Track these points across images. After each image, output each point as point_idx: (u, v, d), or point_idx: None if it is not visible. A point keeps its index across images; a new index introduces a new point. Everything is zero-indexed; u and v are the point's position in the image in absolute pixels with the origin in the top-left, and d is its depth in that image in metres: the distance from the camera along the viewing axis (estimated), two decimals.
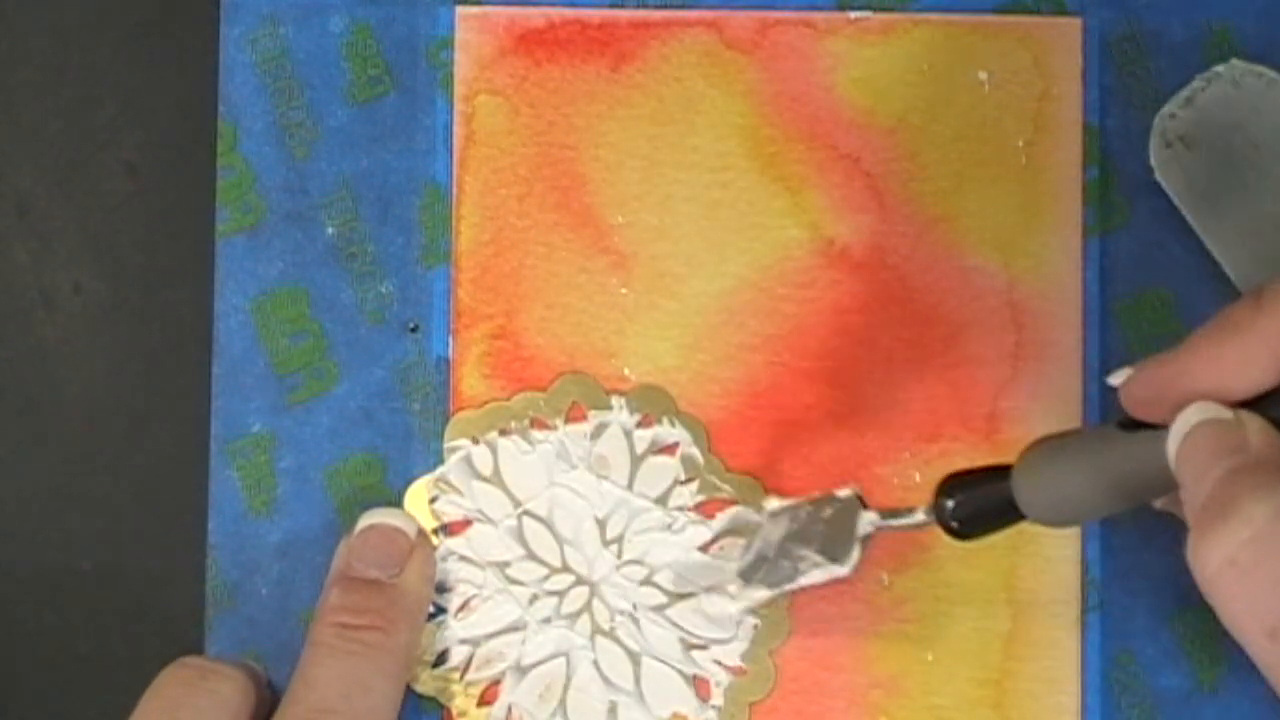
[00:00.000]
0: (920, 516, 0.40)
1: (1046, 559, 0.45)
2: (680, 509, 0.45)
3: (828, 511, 0.42)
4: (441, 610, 0.45)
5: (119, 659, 0.46)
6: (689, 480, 0.45)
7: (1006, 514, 0.39)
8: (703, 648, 0.45)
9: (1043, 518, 0.39)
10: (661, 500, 0.45)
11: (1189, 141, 0.44)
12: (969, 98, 0.46)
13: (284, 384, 0.45)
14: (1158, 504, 0.40)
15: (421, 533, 0.44)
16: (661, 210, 0.46)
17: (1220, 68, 0.45)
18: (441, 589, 0.45)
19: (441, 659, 0.45)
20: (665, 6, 0.46)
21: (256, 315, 0.45)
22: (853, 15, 0.46)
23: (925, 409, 0.45)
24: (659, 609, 0.45)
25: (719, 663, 0.45)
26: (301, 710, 0.41)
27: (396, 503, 0.45)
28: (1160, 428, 0.37)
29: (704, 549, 0.45)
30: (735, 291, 0.45)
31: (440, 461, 0.45)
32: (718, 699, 0.44)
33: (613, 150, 0.46)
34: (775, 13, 0.46)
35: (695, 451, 0.45)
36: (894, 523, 0.41)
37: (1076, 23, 0.46)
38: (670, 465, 0.45)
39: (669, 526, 0.45)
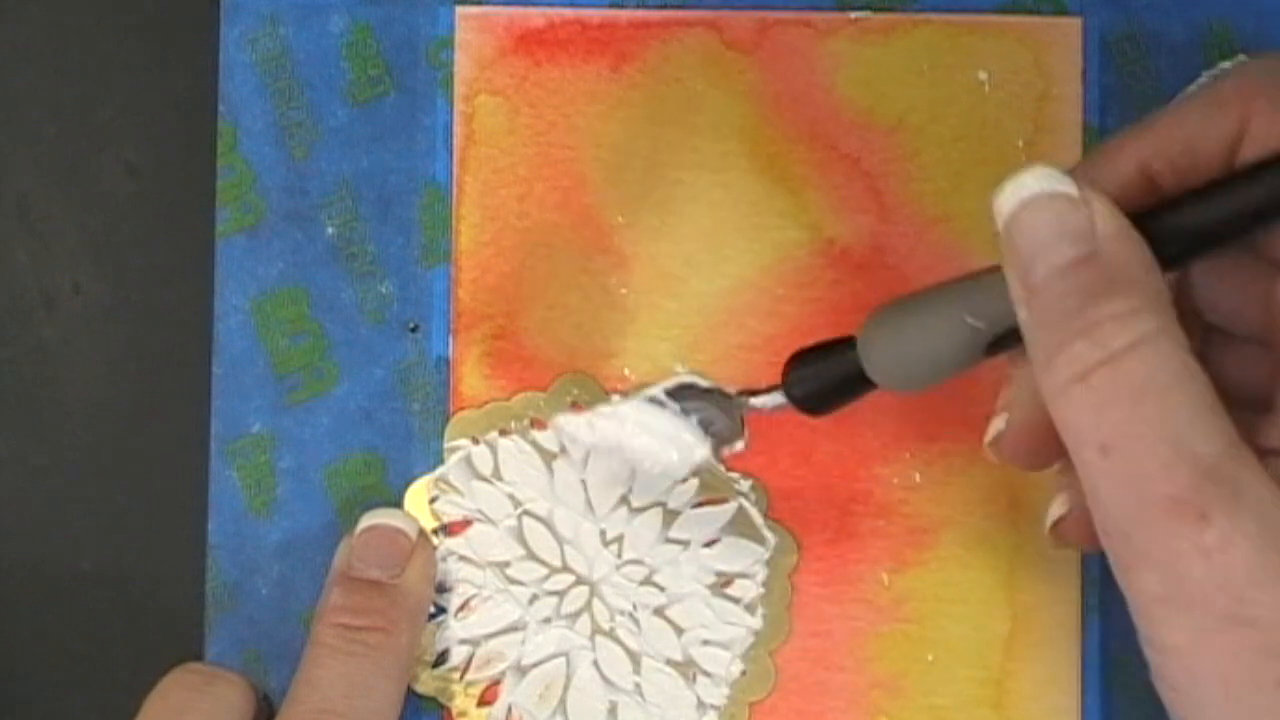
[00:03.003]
0: (780, 398, 0.39)
1: (1046, 559, 0.45)
2: (680, 508, 0.45)
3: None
4: (441, 610, 0.45)
5: (119, 659, 0.46)
6: (688, 479, 0.45)
7: (855, 383, 0.38)
8: (703, 647, 0.45)
9: (892, 381, 0.37)
10: (661, 500, 0.45)
11: None
12: (969, 98, 0.46)
13: (284, 384, 0.45)
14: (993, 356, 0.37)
15: (422, 533, 0.44)
16: (661, 210, 0.46)
17: (1227, 64, 0.44)
18: (441, 589, 0.45)
19: (441, 659, 0.45)
20: (665, 6, 0.46)
21: (256, 315, 0.45)
22: (853, 15, 0.46)
23: (925, 409, 0.45)
24: (659, 609, 0.45)
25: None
26: (304, 710, 0.41)
27: (396, 503, 0.45)
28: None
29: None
30: (735, 291, 0.45)
31: (440, 461, 0.45)
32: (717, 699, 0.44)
33: (613, 150, 0.46)
34: (775, 13, 0.46)
35: None
36: (755, 402, 0.40)
37: (1076, 23, 0.46)
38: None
39: (669, 526, 0.45)
